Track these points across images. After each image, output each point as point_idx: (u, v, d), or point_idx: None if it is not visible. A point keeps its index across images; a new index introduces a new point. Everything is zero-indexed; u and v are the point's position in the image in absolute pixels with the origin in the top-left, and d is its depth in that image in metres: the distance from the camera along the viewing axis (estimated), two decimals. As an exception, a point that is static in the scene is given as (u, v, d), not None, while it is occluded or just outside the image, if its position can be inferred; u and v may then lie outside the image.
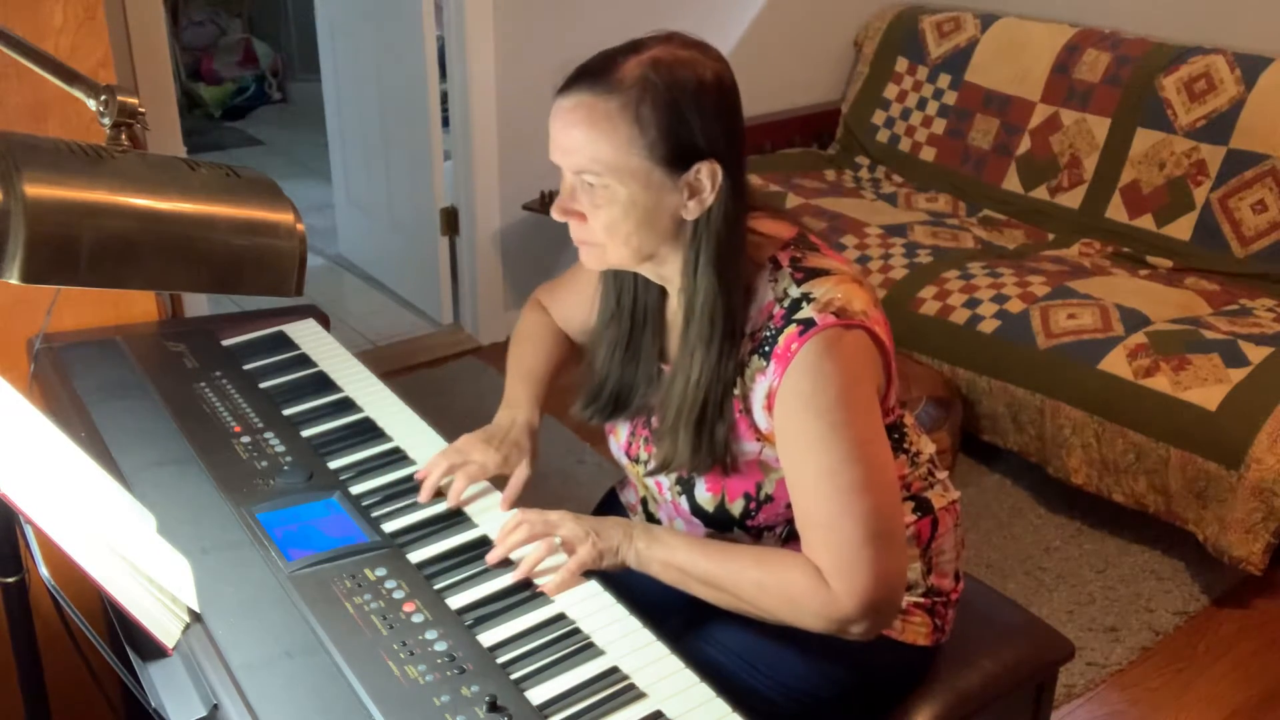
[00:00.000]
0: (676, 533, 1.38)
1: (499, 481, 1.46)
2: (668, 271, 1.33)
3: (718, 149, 1.23)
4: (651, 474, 1.40)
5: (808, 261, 1.30)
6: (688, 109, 1.21)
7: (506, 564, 1.31)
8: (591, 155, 1.22)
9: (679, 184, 1.23)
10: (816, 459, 1.23)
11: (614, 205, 1.24)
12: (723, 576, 1.30)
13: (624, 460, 1.48)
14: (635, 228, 1.25)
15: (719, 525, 1.38)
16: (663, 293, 1.40)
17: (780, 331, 1.25)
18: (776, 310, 1.27)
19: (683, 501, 1.38)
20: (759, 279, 1.30)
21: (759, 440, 1.31)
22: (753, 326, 1.29)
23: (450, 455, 1.46)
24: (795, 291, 1.27)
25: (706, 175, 1.23)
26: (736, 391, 1.30)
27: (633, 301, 1.40)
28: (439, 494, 1.43)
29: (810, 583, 1.24)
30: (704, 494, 1.36)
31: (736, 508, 1.35)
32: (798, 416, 1.24)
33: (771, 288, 1.29)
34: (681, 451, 1.32)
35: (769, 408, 1.27)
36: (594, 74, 1.23)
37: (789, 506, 1.32)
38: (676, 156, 1.22)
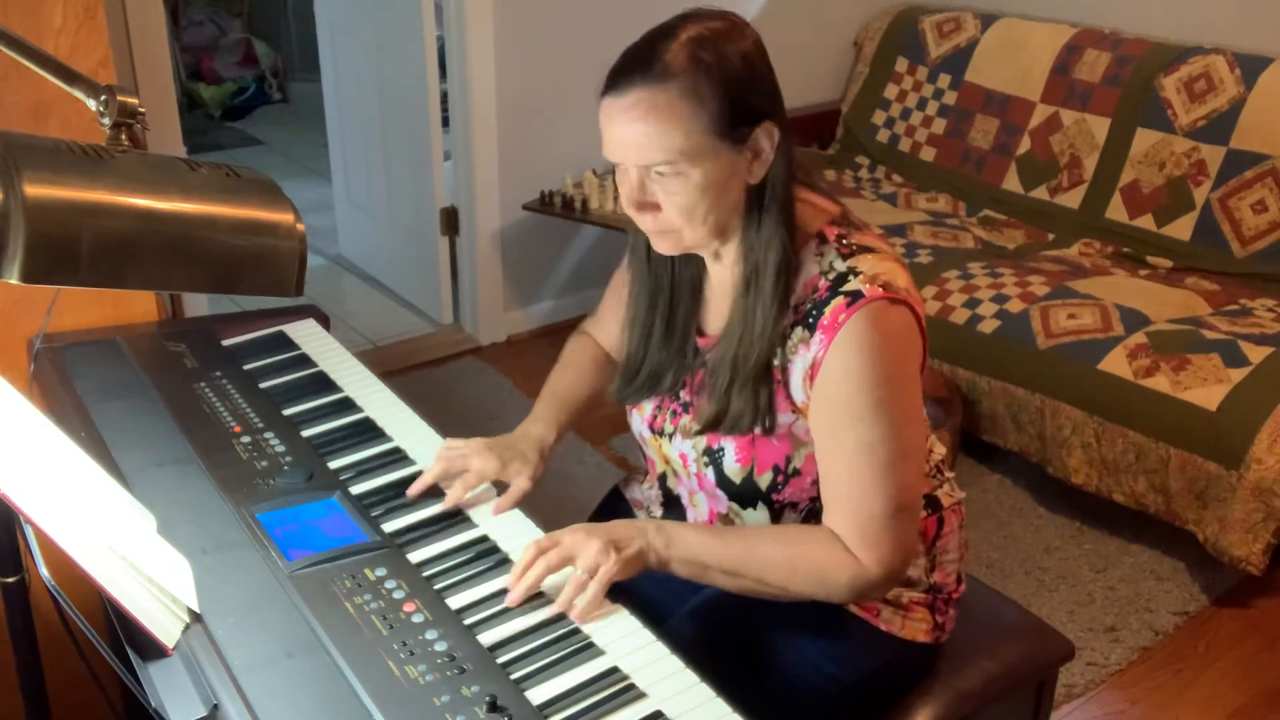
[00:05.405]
0: (690, 526, 1.37)
1: (502, 484, 1.46)
2: (729, 244, 1.34)
3: (770, 110, 1.27)
4: (699, 433, 1.37)
5: (853, 238, 1.31)
6: (741, 79, 1.24)
7: (506, 563, 1.30)
8: (663, 145, 1.23)
9: (743, 151, 1.26)
10: (857, 432, 1.25)
11: (688, 189, 1.25)
12: (747, 563, 1.29)
13: (646, 434, 1.48)
14: (711, 205, 1.27)
15: (744, 498, 1.37)
16: (701, 267, 1.41)
17: (826, 303, 1.27)
18: (821, 283, 1.28)
19: (709, 473, 1.38)
20: (805, 251, 1.31)
21: (794, 412, 1.32)
22: (796, 299, 1.30)
23: (450, 458, 1.45)
24: (841, 265, 1.28)
25: (765, 136, 1.26)
26: (776, 362, 1.31)
27: (672, 278, 1.42)
28: (436, 493, 1.42)
29: (839, 557, 1.27)
30: (732, 465, 1.35)
31: (764, 480, 1.35)
32: (843, 388, 1.25)
33: (817, 262, 1.30)
34: (735, 406, 1.32)
35: (810, 378, 1.28)
36: (644, 65, 1.23)
37: (815, 483, 1.32)
38: (738, 126, 1.24)
